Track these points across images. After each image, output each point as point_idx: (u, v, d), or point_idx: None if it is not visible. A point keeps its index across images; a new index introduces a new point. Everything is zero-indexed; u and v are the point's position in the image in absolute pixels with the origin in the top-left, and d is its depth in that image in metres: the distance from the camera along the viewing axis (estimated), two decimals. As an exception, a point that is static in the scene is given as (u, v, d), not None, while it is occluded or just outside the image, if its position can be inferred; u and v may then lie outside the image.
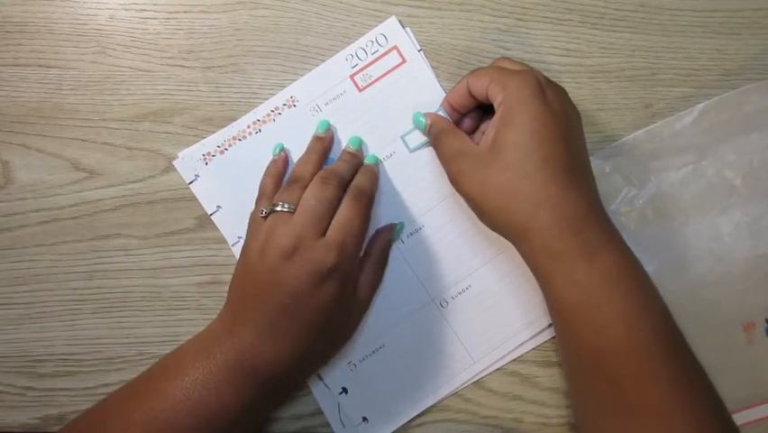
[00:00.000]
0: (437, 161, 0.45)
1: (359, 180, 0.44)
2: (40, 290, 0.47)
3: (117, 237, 0.47)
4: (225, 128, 0.47)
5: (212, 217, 0.47)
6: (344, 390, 0.47)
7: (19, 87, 0.47)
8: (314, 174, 0.43)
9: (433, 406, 0.47)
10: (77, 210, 0.47)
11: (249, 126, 0.47)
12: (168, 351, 0.46)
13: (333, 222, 0.41)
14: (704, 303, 0.46)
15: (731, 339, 0.45)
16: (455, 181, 0.42)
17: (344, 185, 0.43)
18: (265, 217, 0.42)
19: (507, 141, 0.39)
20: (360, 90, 0.47)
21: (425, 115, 0.45)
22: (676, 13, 0.48)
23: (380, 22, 0.47)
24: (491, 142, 0.40)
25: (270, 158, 0.46)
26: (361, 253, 0.45)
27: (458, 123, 0.45)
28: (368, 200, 0.43)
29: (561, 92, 0.41)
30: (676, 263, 0.46)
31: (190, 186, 0.47)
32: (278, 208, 0.41)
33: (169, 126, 0.47)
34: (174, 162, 0.47)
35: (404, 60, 0.47)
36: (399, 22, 0.47)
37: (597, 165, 0.46)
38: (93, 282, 0.47)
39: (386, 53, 0.47)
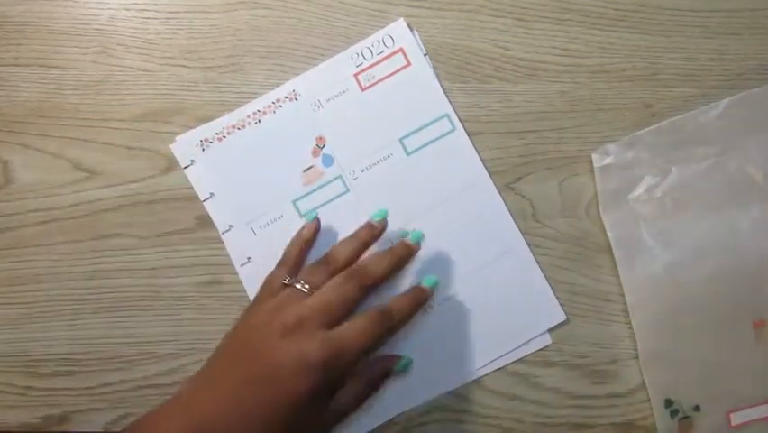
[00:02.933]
0: (433, 166, 0.46)
1: (397, 304, 0.43)
2: (40, 289, 0.47)
3: (117, 237, 0.47)
4: (225, 116, 0.47)
5: (204, 204, 0.47)
6: None
7: (19, 87, 0.47)
8: (348, 262, 0.43)
9: (433, 406, 0.47)
10: (77, 210, 0.47)
11: (249, 116, 0.47)
12: (167, 351, 0.47)
13: (345, 323, 0.40)
14: (717, 297, 0.45)
15: (741, 335, 0.45)
16: None
17: (371, 286, 0.42)
18: (284, 286, 0.42)
19: None
20: (362, 90, 0.47)
21: None
22: (676, 13, 0.48)
23: (381, 22, 0.47)
24: None
25: (266, 151, 0.47)
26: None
27: None
28: (393, 325, 0.42)
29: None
30: (692, 255, 0.46)
31: (185, 170, 0.47)
32: (298, 286, 0.41)
33: (169, 126, 0.47)
34: (171, 146, 0.47)
35: (409, 64, 0.47)
36: (408, 24, 0.47)
37: (619, 152, 0.46)
38: (93, 282, 0.47)
39: (391, 55, 0.47)
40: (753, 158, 0.46)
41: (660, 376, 0.45)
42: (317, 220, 0.46)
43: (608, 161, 0.46)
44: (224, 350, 0.42)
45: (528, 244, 0.47)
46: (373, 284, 0.43)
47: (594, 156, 0.47)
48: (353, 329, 0.40)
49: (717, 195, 0.46)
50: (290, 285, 0.42)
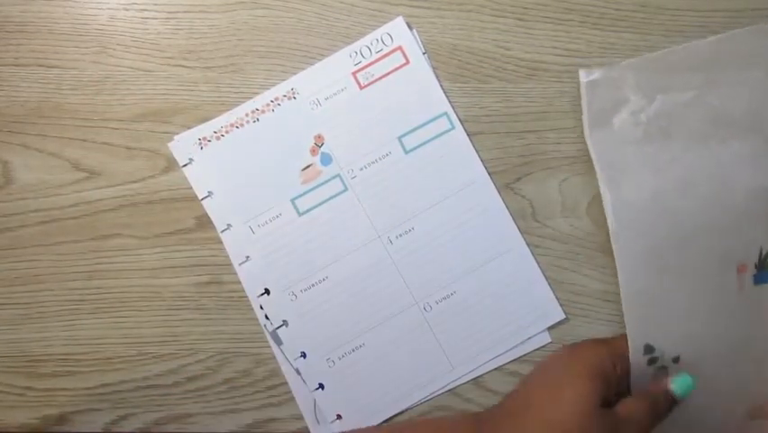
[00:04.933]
0: (433, 165, 0.46)
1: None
2: (39, 290, 0.47)
3: (117, 237, 0.47)
4: (224, 114, 0.47)
5: (202, 202, 0.47)
6: (321, 385, 0.47)
7: (19, 87, 0.47)
8: None
9: (433, 406, 0.47)
10: (77, 210, 0.47)
11: (247, 114, 0.47)
12: (167, 351, 0.47)
13: None
14: (707, 233, 0.43)
15: (725, 281, 0.43)
16: None
17: None
18: None
19: None
20: (360, 88, 0.47)
21: None
22: (676, 13, 0.48)
23: (381, 22, 0.47)
24: None
25: (265, 149, 0.47)
26: None
27: None
28: None
29: None
30: (681, 184, 0.43)
31: (183, 169, 0.47)
32: None
33: (169, 126, 0.47)
34: (169, 144, 0.47)
35: (407, 62, 0.47)
36: (407, 23, 0.47)
37: (606, 72, 0.44)
38: (92, 282, 0.47)
39: (390, 53, 0.47)
40: (733, 93, 0.44)
41: (642, 318, 0.42)
42: None
43: (595, 76, 0.44)
44: None
45: (528, 244, 0.47)
46: None
47: (581, 72, 0.44)
48: None
49: (699, 127, 0.44)
50: None
